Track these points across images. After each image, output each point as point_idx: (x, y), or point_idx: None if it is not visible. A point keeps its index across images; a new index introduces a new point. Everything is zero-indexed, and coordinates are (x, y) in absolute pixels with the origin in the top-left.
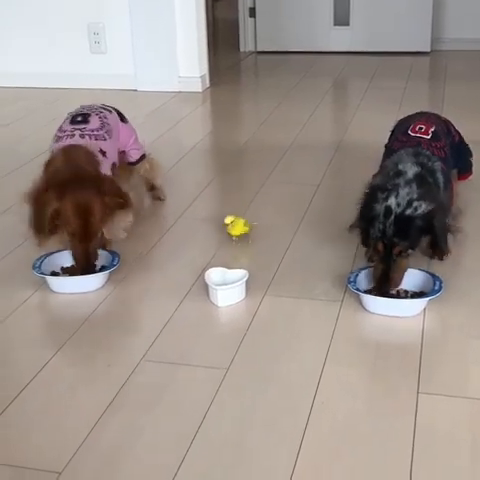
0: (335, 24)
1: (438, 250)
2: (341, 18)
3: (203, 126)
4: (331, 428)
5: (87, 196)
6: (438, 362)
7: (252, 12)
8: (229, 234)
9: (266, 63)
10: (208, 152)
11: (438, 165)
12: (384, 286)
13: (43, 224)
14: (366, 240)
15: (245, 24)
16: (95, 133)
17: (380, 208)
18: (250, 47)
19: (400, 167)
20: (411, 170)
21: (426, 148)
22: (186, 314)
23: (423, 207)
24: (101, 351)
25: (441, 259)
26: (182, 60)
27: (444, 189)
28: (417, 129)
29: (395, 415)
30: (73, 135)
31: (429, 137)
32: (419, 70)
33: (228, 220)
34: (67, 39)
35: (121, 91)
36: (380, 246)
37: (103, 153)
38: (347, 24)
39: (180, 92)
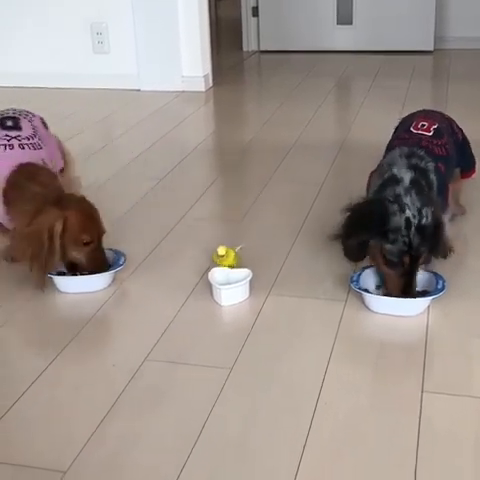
0: (338, 23)
1: (441, 249)
2: (344, 17)
3: (206, 126)
4: (335, 427)
5: (85, 202)
6: (442, 361)
7: (255, 11)
8: (219, 265)
9: (269, 62)
10: (211, 152)
11: (431, 166)
12: (412, 294)
13: (52, 251)
14: (357, 254)
15: (248, 23)
16: (31, 142)
17: (400, 220)
18: (253, 46)
19: (395, 172)
20: (406, 176)
21: (426, 145)
22: (190, 313)
23: (429, 212)
24: (105, 351)
25: (445, 257)
26: (185, 60)
27: (438, 190)
28: (419, 126)
29: (399, 414)
30: (12, 146)
31: (431, 134)
32: (422, 69)
33: (221, 251)
34: (70, 39)
35: (124, 91)
36: (406, 259)
37: (44, 163)
38: (350, 23)
39: (183, 92)
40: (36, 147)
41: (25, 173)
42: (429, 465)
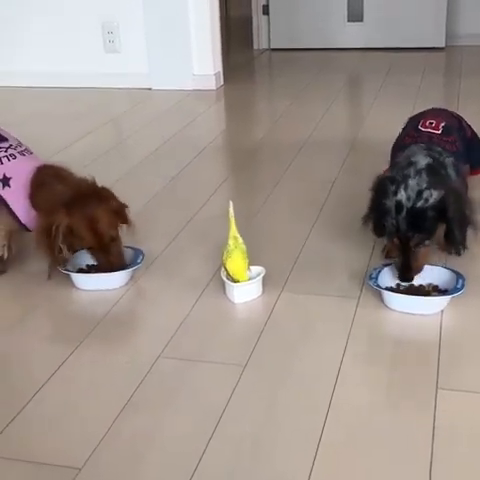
0: (349, 20)
1: (454, 241)
2: (355, 14)
3: (217, 124)
4: (350, 424)
5: (99, 206)
6: (457, 358)
7: (265, 9)
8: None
9: (280, 60)
10: (223, 150)
11: (450, 160)
12: (406, 276)
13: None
14: (378, 230)
15: (259, 21)
16: (23, 148)
17: (390, 203)
18: (264, 44)
19: (412, 158)
20: (423, 160)
21: (437, 143)
22: (203, 311)
23: (434, 195)
24: (120, 348)
25: (458, 254)
26: (196, 58)
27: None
28: (427, 124)
29: (414, 411)
30: (13, 156)
31: (440, 132)
32: (434, 66)
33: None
34: (81, 38)
35: (135, 90)
36: (396, 240)
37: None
38: (361, 20)
39: (194, 90)
40: (30, 152)
41: (48, 174)
42: (444, 462)
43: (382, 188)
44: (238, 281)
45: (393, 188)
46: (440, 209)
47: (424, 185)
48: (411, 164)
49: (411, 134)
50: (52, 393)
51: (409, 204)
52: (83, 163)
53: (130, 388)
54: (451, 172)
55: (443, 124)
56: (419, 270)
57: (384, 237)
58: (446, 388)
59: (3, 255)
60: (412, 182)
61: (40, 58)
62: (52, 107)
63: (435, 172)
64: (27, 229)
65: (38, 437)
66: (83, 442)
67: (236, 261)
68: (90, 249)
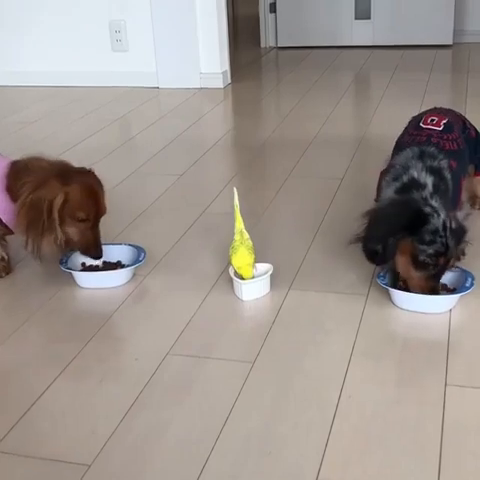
0: (356, 18)
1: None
2: (362, 12)
3: (225, 122)
4: (358, 421)
5: (91, 178)
6: (465, 355)
7: (273, 7)
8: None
9: (287, 58)
10: (230, 148)
11: (445, 163)
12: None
13: (50, 222)
14: (381, 256)
15: (266, 20)
16: None
17: (438, 222)
18: (271, 43)
19: (415, 176)
20: (428, 180)
21: (437, 140)
22: (211, 308)
23: (453, 217)
24: (128, 345)
25: (462, 255)
26: (203, 57)
27: (452, 187)
28: (429, 121)
29: (423, 407)
30: None
31: (441, 129)
32: (442, 63)
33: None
34: (89, 37)
35: (143, 89)
36: (442, 260)
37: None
38: (368, 18)
39: (201, 89)
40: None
41: (24, 162)
42: (453, 458)
43: (417, 209)
44: (242, 277)
45: (428, 209)
46: (465, 229)
47: (444, 208)
48: (417, 184)
49: (411, 132)
50: (61, 391)
51: (448, 222)
52: (91, 161)
53: (139, 385)
54: (447, 175)
55: (445, 121)
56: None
57: (378, 263)
58: (455, 385)
59: (3, 256)
60: (437, 204)
61: (48, 57)
62: (60, 106)
63: (442, 194)
64: (7, 229)
65: (48, 434)
66: (92, 439)
67: (241, 257)
68: (82, 222)
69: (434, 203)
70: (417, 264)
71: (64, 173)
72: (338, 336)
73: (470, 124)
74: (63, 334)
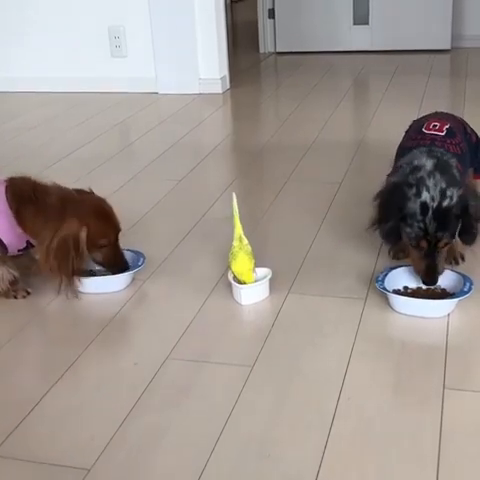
0: (354, 23)
1: (471, 236)
2: (360, 17)
3: (224, 127)
4: (357, 424)
5: (99, 202)
6: (464, 359)
7: (271, 13)
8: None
9: (286, 64)
10: (229, 153)
11: (454, 162)
12: (433, 278)
13: (80, 259)
14: (392, 238)
15: (264, 25)
16: None
17: (414, 206)
18: (269, 48)
19: (416, 163)
20: (428, 162)
21: (441, 145)
22: (210, 312)
23: (456, 193)
24: (127, 350)
25: (470, 244)
26: (202, 62)
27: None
28: (431, 127)
29: (421, 410)
30: None
31: (444, 134)
32: (440, 68)
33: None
34: (88, 43)
35: (142, 94)
36: (424, 243)
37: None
38: (367, 23)
39: (200, 94)
40: None
41: (22, 184)
42: (451, 461)
43: (399, 193)
44: (244, 282)
45: (413, 191)
46: (463, 206)
47: (443, 184)
48: (417, 168)
49: (414, 137)
50: (60, 395)
51: (434, 204)
52: (90, 167)
53: (138, 389)
54: (456, 173)
55: (447, 126)
56: (442, 272)
57: (397, 244)
58: (453, 388)
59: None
60: (430, 183)
61: (46, 63)
62: (59, 112)
63: (446, 171)
64: (5, 250)
65: (47, 438)
66: (91, 443)
67: (241, 263)
68: (106, 247)
69: (428, 181)
70: (410, 245)
71: (74, 204)
72: (337, 340)
73: (471, 129)
74: (63, 338)
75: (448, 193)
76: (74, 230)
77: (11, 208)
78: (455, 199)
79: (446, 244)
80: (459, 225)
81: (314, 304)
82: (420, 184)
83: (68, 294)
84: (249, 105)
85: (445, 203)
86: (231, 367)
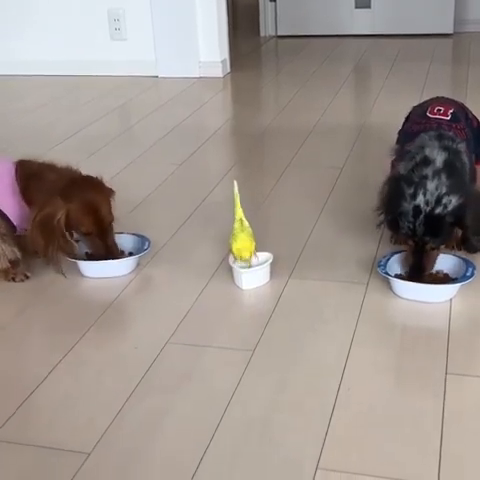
0: (356, 7)
1: (470, 247)
2: (362, 1)
3: (224, 111)
4: (358, 409)
5: (94, 190)
6: (466, 344)
7: None
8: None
9: (287, 47)
10: (230, 137)
11: (462, 147)
12: (417, 275)
13: (62, 236)
14: (393, 228)
15: (265, 8)
16: None
17: (408, 207)
18: (270, 31)
19: (427, 153)
20: (440, 156)
21: (448, 129)
22: (211, 297)
23: (453, 202)
24: (127, 334)
25: (472, 252)
26: (203, 45)
27: (469, 172)
28: (435, 111)
29: (424, 395)
30: None
31: (449, 118)
32: (442, 53)
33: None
34: (87, 26)
35: (142, 77)
36: (411, 243)
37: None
38: (368, 6)
39: (201, 77)
40: None
41: (36, 167)
42: (453, 446)
43: (398, 189)
44: (244, 260)
45: (411, 191)
46: (458, 216)
47: (443, 190)
48: (427, 162)
49: (419, 121)
50: (60, 379)
51: (427, 209)
52: (90, 150)
53: (138, 373)
54: (465, 160)
55: (452, 110)
56: (430, 270)
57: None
58: (455, 373)
59: (16, 258)
60: (431, 185)
61: (47, 46)
62: (59, 95)
63: (453, 171)
64: (13, 229)
65: (47, 422)
66: (91, 427)
67: (241, 242)
68: (88, 235)
69: (428, 184)
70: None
71: (69, 188)
72: (338, 325)
73: (472, 114)
74: (63, 322)
75: (444, 201)
76: (54, 210)
77: (20, 188)
78: (450, 208)
79: (433, 248)
80: (455, 233)
81: (315, 289)
82: (419, 185)
83: (57, 270)
84: (250, 89)
85: (438, 210)
86: (232, 352)
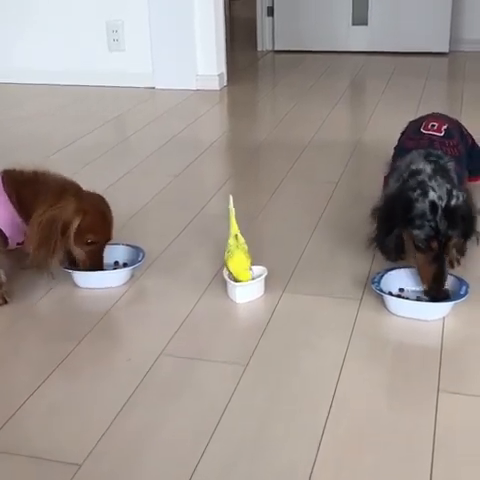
0: (353, 24)
1: (469, 239)
2: (359, 18)
3: (220, 124)
4: (351, 425)
5: (104, 203)
6: (458, 362)
7: (270, 11)
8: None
9: (283, 62)
10: (226, 150)
11: (451, 165)
12: (442, 284)
13: (64, 242)
14: (393, 250)
15: (263, 23)
16: None
17: (423, 205)
18: (268, 46)
19: (413, 167)
20: (427, 167)
21: (439, 146)
22: (205, 310)
23: (460, 194)
24: (121, 345)
25: (463, 254)
26: (200, 58)
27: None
28: (429, 127)
29: (415, 413)
30: None
31: (442, 135)
32: (437, 71)
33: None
34: (86, 37)
35: (139, 89)
36: (434, 244)
37: None
38: (365, 24)
39: (198, 90)
40: None
41: (19, 174)
42: (445, 464)
43: (404, 197)
44: (240, 281)
45: (418, 192)
46: (467, 207)
47: (448, 185)
48: (417, 172)
49: (412, 137)
50: (53, 389)
51: (443, 203)
52: (85, 161)
53: (131, 385)
54: (454, 176)
55: (445, 127)
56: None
57: (395, 257)
58: (447, 391)
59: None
60: (434, 184)
61: (45, 56)
62: (56, 105)
63: (444, 175)
64: (5, 243)
65: (39, 432)
66: (84, 438)
67: (238, 261)
68: (92, 244)
69: (431, 183)
70: (417, 250)
71: (81, 195)
72: (331, 340)
73: (467, 131)
74: (56, 332)
75: (454, 193)
76: (68, 213)
77: (10, 198)
78: (461, 199)
79: (455, 244)
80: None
81: (309, 304)
82: (424, 186)
83: (40, 272)
84: (246, 103)
85: (453, 201)
86: (225, 365)
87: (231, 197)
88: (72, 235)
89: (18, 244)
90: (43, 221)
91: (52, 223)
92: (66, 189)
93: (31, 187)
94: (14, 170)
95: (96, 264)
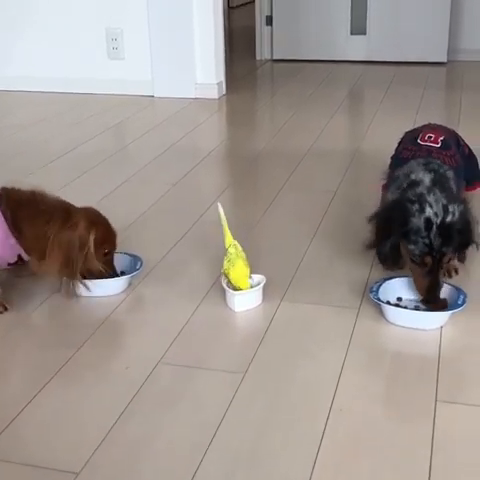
0: (352, 33)
1: (463, 253)
2: (358, 27)
3: (219, 133)
4: (349, 434)
5: (101, 214)
6: (456, 372)
7: (269, 20)
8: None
9: (282, 71)
10: (224, 158)
11: (450, 173)
12: (436, 296)
13: (83, 260)
14: (390, 258)
15: (262, 32)
16: None
17: (419, 222)
18: (266, 55)
19: (413, 177)
20: (426, 177)
21: (437, 157)
22: (203, 318)
23: (457, 209)
24: (118, 353)
25: (463, 261)
26: (199, 67)
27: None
28: (426, 138)
29: (413, 422)
30: None
31: (439, 145)
32: (436, 80)
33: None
34: (85, 44)
35: (138, 97)
36: (428, 260)
37: None
38: (364, 33)
39: (197, 99)
40: None
41: (16, 193)
42: (442, 474)
43: (402, 208)
44: (240, 289)
45: (416, 206)
46: (464, 222)
47: (445, 200)
48: (416, 183)
49: (409, 148)
50: (50, 397)
51: (438, 220)
52: (83, 169)
53: (129, 394)
54: (453, 186)
55: (442, 138)
56: (441, 288)
57: (396, 265)
58: (445, 401)
59: None
60: (431, 198)
61: (44, 64)
62: (55, 112)
63: (444, 186)
64: None
65: (36, 441)
66: (81, 447)
67: (239, 269)
68: (106, 255)
69: (429, 198)
70: (412, 262)
71: (78, 211)
72: (329, 349)
73: (463, 141)
74: (54, 340)
75: (450, 209)
76: (82, 230)
77: (5, 217)
78: (457, 215)
79: (449, 260)
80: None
81: (307, 313)
82: (422, 200)
83: (67, 294)
84: (245, 112)
85: (448, 218)
86: (223, 374)
87: (220, 205)
88: (92, 249)
89: (9, 264)
90: (62, 243)
91: (70, 243)
92: (67, 208)
93: (28, 207)
94: (12, 189)
95: (113, 271)
